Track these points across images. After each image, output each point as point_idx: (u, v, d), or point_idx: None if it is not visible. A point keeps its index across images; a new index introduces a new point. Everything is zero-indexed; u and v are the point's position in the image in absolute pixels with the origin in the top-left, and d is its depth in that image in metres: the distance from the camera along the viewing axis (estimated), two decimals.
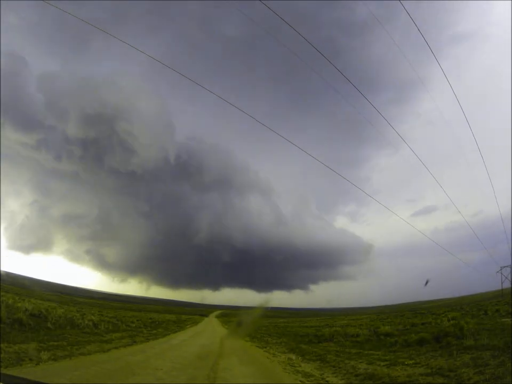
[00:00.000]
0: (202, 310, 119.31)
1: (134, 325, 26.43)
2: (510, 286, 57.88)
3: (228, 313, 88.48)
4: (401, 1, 10.64)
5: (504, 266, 59.86)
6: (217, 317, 79.18)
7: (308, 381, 8.81)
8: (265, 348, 17.04)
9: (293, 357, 13.31)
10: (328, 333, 21.23)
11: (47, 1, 9.39)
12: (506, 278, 59.87)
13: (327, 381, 8.81)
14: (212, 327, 39.36)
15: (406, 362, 9.80)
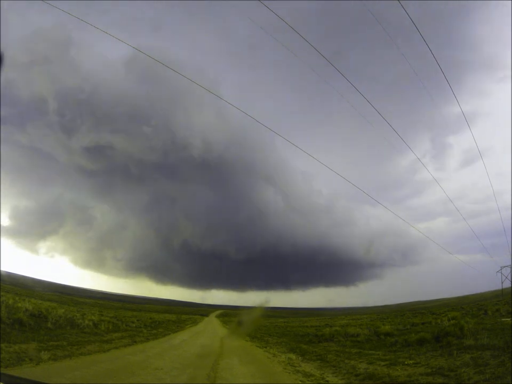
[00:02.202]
0: (202, 310, 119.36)
1: (134, 325, 26.38)
2: (510, 285, 57.95)
3: (228, 313, 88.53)
4: None
5: (504, 266, 59.98)
6: (217, 316, 79.16)
7: (308, 380, 8.82)
8: (266, 347, 17.05)
9: (293, 356, 13.31)
10: (328, 332, 21.21)
11: (47, 1, 9.38)
12: (506, 278, 59.96)
13: (327, 381, 8.83)
14: (212, 327, 39.36)
15: (406, 362, 9.80)
